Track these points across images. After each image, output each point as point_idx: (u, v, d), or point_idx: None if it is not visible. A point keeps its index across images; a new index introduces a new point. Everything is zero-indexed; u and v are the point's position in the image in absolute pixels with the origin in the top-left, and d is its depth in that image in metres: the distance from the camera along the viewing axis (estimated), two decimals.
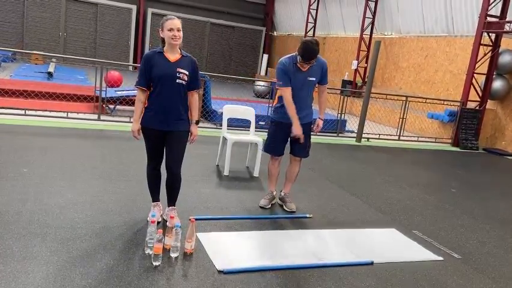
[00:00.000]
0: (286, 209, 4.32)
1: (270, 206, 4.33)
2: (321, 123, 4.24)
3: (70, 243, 3.05)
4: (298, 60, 3.92)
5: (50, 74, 11.92)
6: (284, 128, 4.12)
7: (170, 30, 3.29)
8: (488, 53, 9.55)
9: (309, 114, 4.22)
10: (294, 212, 4.26)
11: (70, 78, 12.12)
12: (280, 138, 4.23)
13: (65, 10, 17.91)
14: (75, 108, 7.89)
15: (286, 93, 3.97)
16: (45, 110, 7.34)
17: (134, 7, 18.99)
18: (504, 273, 3.49)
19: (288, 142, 4.28)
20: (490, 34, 9.42)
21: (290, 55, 4.04)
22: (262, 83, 14.98)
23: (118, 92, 8.62)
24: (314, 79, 4.08)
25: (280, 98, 4.08)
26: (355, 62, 14.34)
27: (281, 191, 4.48)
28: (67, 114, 7.35)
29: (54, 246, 2.98)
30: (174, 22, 3.31)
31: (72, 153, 5.34)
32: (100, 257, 2.92)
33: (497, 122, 10.06)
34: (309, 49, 3.82)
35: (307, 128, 4.19)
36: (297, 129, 3.97)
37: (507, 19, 9.31)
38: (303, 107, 4.11)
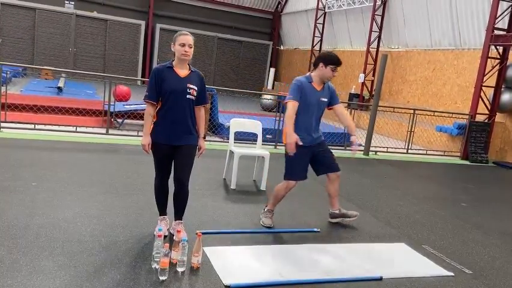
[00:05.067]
0: (351, 218, 4.42)
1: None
2: (355, 139, 4.20)
3: (77, 258, 3.05)
4: (321, 76, 4.02)
5: (59, 89, 12.07)
6: (307, 151, 4.08)
7: (182, 45, 3.33)
8: (496, 66, 9.52)
9: (320, 135, 4.25)
10: (357, 215, 4.45)
11: (79, 93, 12.26)
12: (305, 162, 4.14)
13: (75, 26, 18.22)
14: (84, 122, 7.97)
15: (292, 106, 3.96)
16: (55, 125, 7.41)
17: (143, 23, 19.28)
18: None
19: (311, 164, 4.26)
20: (498, 47, 9.41)
21: (305, 75, 4.13)
22: (269, 97, 15.05)
23: (126, 106, 8.69)
24: (326, 100, 4.14)
25: (296, 120, 4.00)
26: (362, 76, 14.36)
27: (335, 210, 4.45)
28: (76, 129, 7.42)
29: (62, 260, 2.98)
30: (187, 38, 3.35)
31: (80, 167, 5.37)
32: (107, 271, 2.91)
33: (506, 135, 9.98)
34: (335, 54, 4.05)
35: (323, 144, 4.27)
36: (292, 138, 3.86)
37: None
38: (316, 128, 4.16)
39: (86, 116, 8.40)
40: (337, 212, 4.45)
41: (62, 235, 3.38)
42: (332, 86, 4.26)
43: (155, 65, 18.91)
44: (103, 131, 7.60)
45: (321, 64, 4.03)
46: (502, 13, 9.29)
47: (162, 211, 3.67)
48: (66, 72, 15.47)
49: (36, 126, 7.22)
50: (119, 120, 8.45)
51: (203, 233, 3.29)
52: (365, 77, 14.32)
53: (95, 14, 18.53)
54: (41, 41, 17.91)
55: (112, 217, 3.87)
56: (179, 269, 3.02)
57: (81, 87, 13.82)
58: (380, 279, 3.30)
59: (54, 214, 3.78)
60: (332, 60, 4.01)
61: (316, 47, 17.88)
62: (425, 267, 3.64)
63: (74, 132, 7.34)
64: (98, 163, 5.72)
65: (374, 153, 9.04)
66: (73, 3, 18.37)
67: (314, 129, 4.13)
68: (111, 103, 7.77)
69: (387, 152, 9.33)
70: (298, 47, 20.44)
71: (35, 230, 3.42)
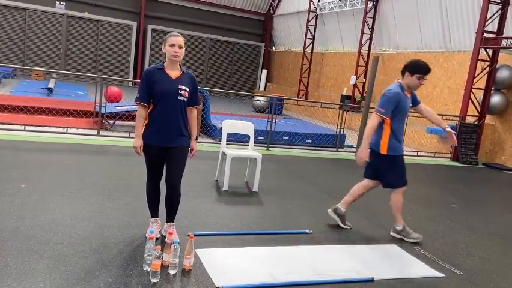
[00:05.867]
0: (338, 221, 4.42)
1: None
2: (452, 131, 4.28)
3: (68, 260, 3.02)
4: (409, 84, 4.06)
5: (50, 90, 11.97)
6: (403, 158, 4.21)
7: (172, 46, 3.32)
8: (485, 68, 9.62)
9: None
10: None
11: (70, 94, 12.18)
12: (405, 168, 4.25)
13: (66, 27, 18.09)
14: (74, 123, 7.91)
15: (377, 120, 4.02)
16: (45, 126, 7.35)
17: (134, 24, 19.20)
18: None
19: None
20: (487, 50, 9.51)
21: (397, 84, 4.12)
22: (261, 98, 15.08)
23: (118, 108, 8.65)
24: (411, 104, 4.22)
25: (393, 130, 4.08)
26: (353, 77, 14.43)
27: (342, 208, 4.46)
28: (67, 130, 7.36)
29: (52, 263, 2.95)
30: (177, 39, 3.34)
31: (71, 169, 5.33)
32: (98, 274, 2.89)
33: (496, 136, 10.09)
34: (424, 63, 4.02)
35: None
36: (365, 154, 4.01)
37: (504, 35, 9.41)
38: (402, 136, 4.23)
39: (77, 117, 8.34)
40: (343, 210, 4.45)
41: (52, 237, 3.35)
42: None
43: (147, 66, 18.85)
44: (94, 132, 7.55)
45: (407, 73, 4.03)
46: (492, 16, 9.39)
47: (154, 213, 3.65)
48: (57, 73, 15.35)
49: (27, 128, 7.15)
50: (111, 122, 8.40)
51: (195, 235, 3.28)
52: (356, 79, 14.39)
53: (86, 15, 18.42)
54: (32, 42, 17.75)
55: (103, 219, 3.84)
56: (171, 272, 3.01)
57: (72, 88, 13.73)
58: (372, 280, 3.31)
59: (45, 216, 3.75)
60: (417, 69, 3.98)
61: (308, 49, 17.95)
62: (417, 268, 3.67)
63: (64, 133, 7.28)
64: (89, 165, 5.67)
65: None
66: (63, 3, 18.23)
67: (402, 135, 4.22)
68: (102, 104, 7.73)
69: None
70: (290, 48, 20.50)
71: (25, 232, 3.39)
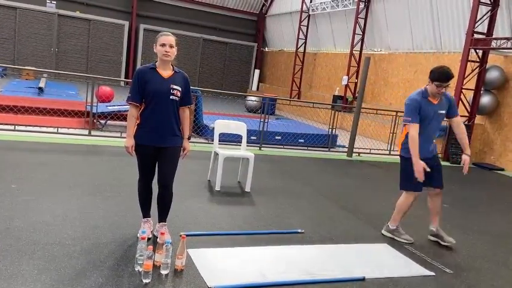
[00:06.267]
0: (445, 243, 4.27)
1: None
2: (468, 160, 4.14)
3: (59, 261, 3.00)
4: (430, 91, 3.98)
5: (40, 89, 11.88)
6: (424, 163, 4.09)
7: (163, 45, 3.31)
8: (475, 69, 9.71)
9: (434, 147, 4.28)
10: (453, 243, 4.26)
11: (61, 94, 12.09)
12: (424, 174, 4.12)
13: (57, 26, 17.95)
14: (65, 123, 7.85)
15: (414, 130, 3.97)
16: (36, 126, 7.29)
17: (126, 23, 19.10)
18: None
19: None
20: (477, 50, 9.60)
21: (418, 91, 4.08)
22: (253, 98, 15.09)
23: (109, 107, 8.60)
24: (444, 112, 4.12)
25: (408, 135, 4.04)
26: (345, 78, 14.49)
27: (432, 227, 4.40)
28: (57, 130, 7.30)
29: (43, 264, 2.93)
30: (167, 38, 3.33)
31: (62, 169, 5.29)
32: (89, 274, 2.87)
33: (485, 136, 10.19)
34: (445, 70, 3.92)
35: (435, 160, 4.27)
36: (419, 166, 3.92)
37: (493, 36, 9.51)
38: (431, 141, 4.19)
39: (68, 117, 8.28)
40: (435, 230, 4.39)
41: (43, 238, 3.33)
42: (450, 95, 4.18)
43: (138, 65, 18.76)
44: (85, 132, 7.51)
45: (429, 80, 3.99)
46: (482, 17, 9.48)
47: (146, 213, 3.64)
48: (48, 72, 15.23)
49: (17, 127, 7.08)
50: (102, 122, 8.36)
51: (187, 235, 3.27)
52: (348, 79, 14.45)
53: (78, 14, 18.29)
54: (23, 41, 17.58)
55: (94, 219, 3.82)
56: (163, 272, 3.00)
57: (63, 88, 13.62)
58: (363, 279, 3.33)
59: (35, 217, 3.72)
60: (436, 76, 3.92)
61: (301, 49, 17.99)
62: (407, 267, 3.69)
63: (55, 133, 7.23)
64: (80, 165, 5.64)
65: (357, 154, 9.13)
66: (54, 2, 18.09)
67: (431, 142, 4.18)
68: (94, 104, 7.68)
69: (370, 153, 9.43)
70: (282, 48, 20.53)
71: (15, 233, 3.36)
